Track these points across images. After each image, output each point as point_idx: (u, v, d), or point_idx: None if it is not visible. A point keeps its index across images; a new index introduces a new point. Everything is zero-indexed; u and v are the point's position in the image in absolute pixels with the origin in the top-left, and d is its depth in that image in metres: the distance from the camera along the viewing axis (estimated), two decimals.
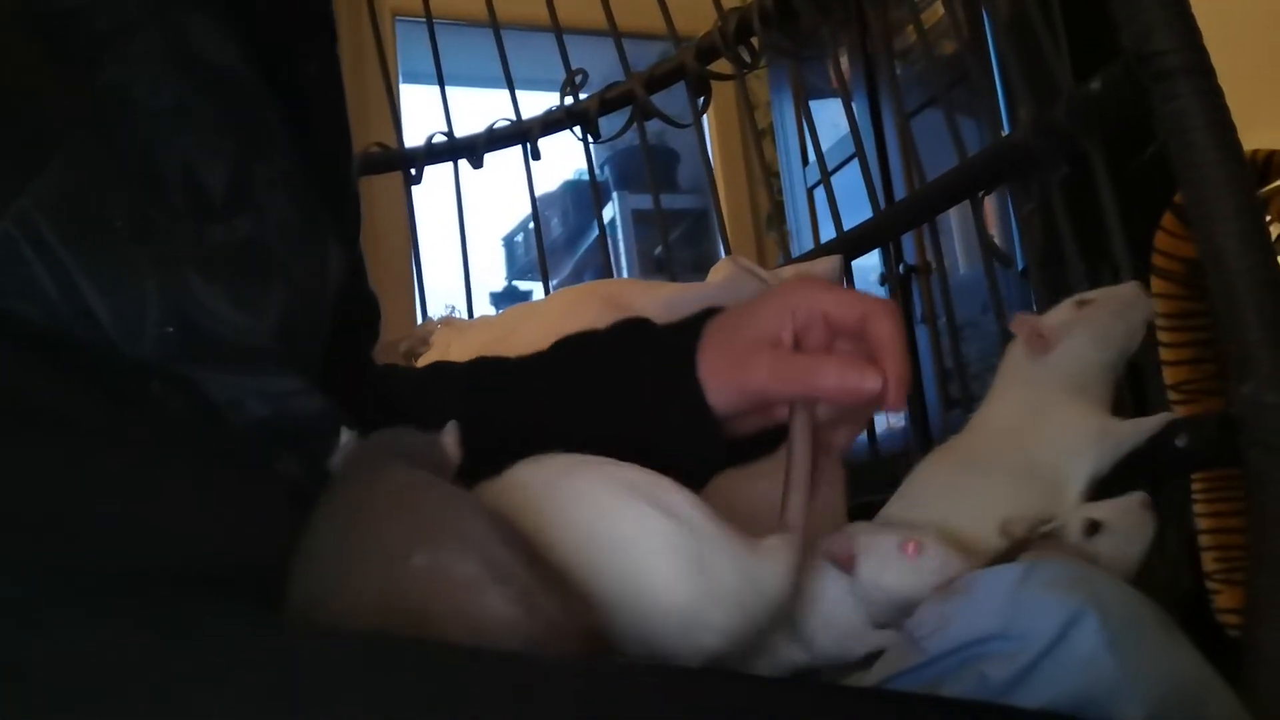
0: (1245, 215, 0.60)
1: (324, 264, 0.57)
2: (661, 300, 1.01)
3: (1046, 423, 0.61)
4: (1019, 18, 0.97)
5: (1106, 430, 0.61)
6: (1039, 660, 0.46)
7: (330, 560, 0.41)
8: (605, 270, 1.58)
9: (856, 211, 1.10)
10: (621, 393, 0.63)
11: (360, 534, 0.41)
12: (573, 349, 0.68)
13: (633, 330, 0.67)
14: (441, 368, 0.74)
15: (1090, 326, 0.62)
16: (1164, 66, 0.66)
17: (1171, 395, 1.48)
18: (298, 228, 0.55)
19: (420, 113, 1.49)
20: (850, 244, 1.03)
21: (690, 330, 0.62)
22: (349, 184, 0.64)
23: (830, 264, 0.99)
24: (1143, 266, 1.25)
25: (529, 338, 1.04)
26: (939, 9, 1.86)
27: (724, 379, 0.59)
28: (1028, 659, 0.47)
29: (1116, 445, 0.61)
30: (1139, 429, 0.61)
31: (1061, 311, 0.63)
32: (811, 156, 2.59)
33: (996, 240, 1.56)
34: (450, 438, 0.49)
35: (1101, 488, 0.61)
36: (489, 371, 0.70)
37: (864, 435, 1.23)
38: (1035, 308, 0.99)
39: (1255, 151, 1.53)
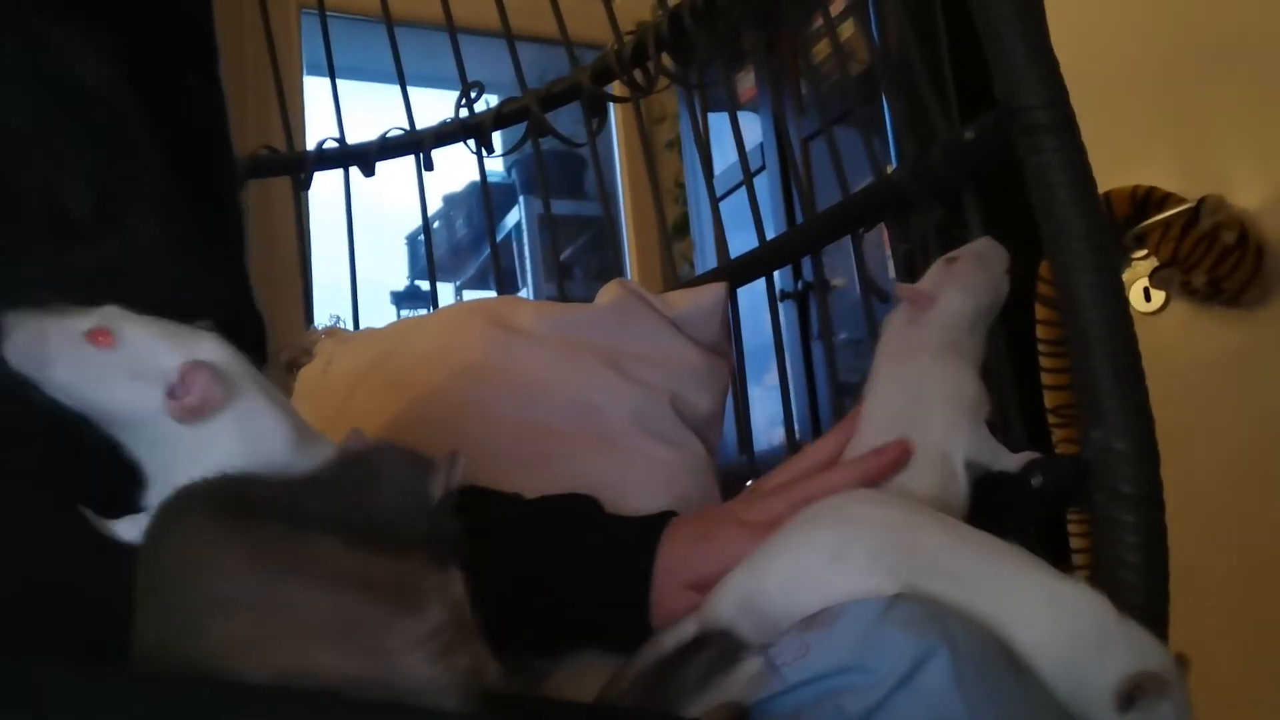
0: (1101, 270, 0.64)
1: (197, 286, 0.56)
2: (548, 321, 1.01)
3: (925, 402, 0.67)
4: (905, 58, 1.00)
5: (978, 407, 0.66)
6: (892, 694, 0.49)
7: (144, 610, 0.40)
8: (508, 275, 1.58)
9: (764, 222, 1.12)
10: (578, 594, 0.68)
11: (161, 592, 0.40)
12: (537, 523, 0.73)
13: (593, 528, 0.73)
14: None
15: (959, 279, 0.69)
16: (1031, 121, 0.69)
17: (1051, 419, 1.55)
18: (169, 250, 0.54)
19: (329, 105, 1.46)
20: (735, 271, 1.05)
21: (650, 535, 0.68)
22: (231, 204, 0.64)
23: (716, 292, 1.01)
24: (1023, 296, 1.30)
25: (412, 355, 1.04)
26: (844, 31, 1.91)
27: (661, 618, 0.65)
28: (882, 693, 0.49)
29: (989, 448, 0.66)
30: (1003, 455, 0.66)
31: (934, 271, 0.71)
32: (718, 169, 2.64)
33: (893, 270, 1.61)
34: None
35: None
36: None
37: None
38: None
39: (1136, 187, 1.62)
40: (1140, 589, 0.60)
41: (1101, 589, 0.60)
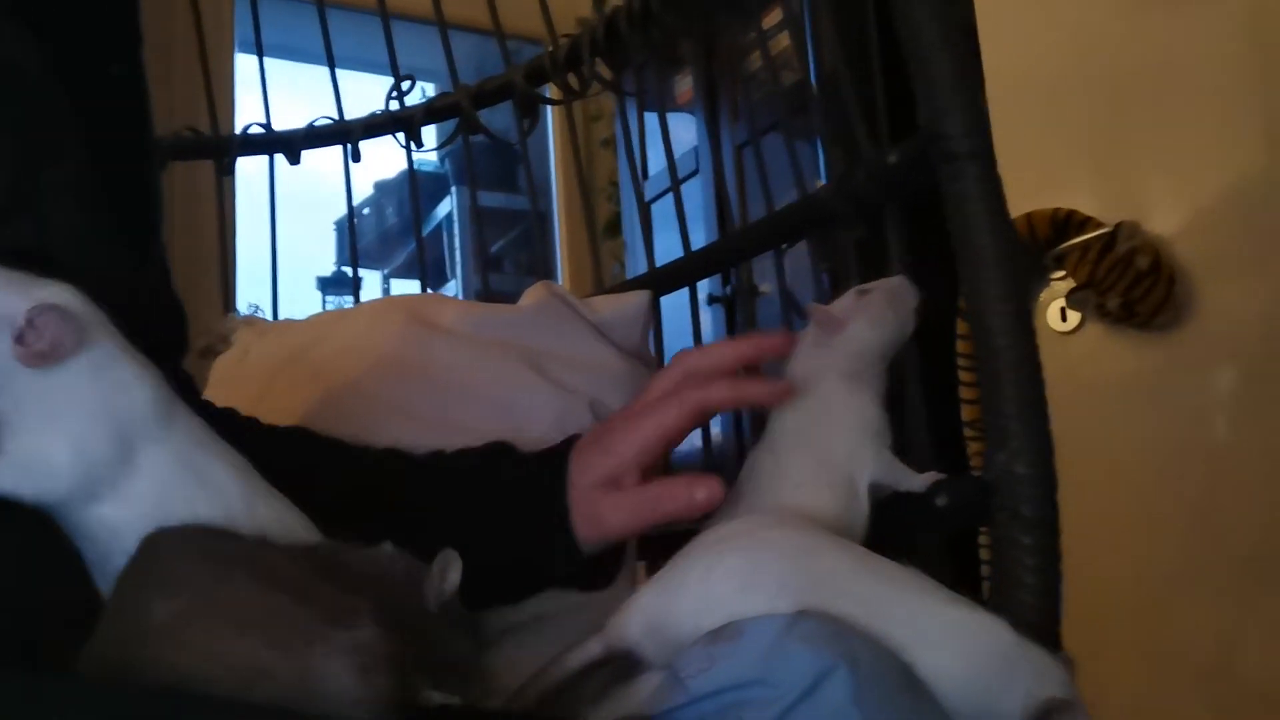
0: (1012, 299, 0.66)
1: (113, 271, 0.56)
2: (470, 320, 1.01)
3: (830, 424, 0.69)
4: (834, 77, 1.02)
5: (881, 433, 0.69)
6: (792, 708, 0.50)
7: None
8: (437, 266, 1.56)
9: (694, 225, 1.13)
10: (500, 523, 0.71)
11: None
12: (449, 471, 0.75)
13: (506, 460, 0.75)
14: (314, 440, 0.76)
15: (869, 311, 0.71)
16: (952, 149, 0.71)
17: (967, 431, 1.58)
18: (85, 234, 0.53)
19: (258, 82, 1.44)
20: (662, 279, 1.06)
21: (559, 469, 0.70)
22: (151, 189, 0.63)
23: (639, 299, 1.02)
24: (946, 310, 1.33)
25: (332, 349, 1.03)
26: (781, 41, 1.93)
27: (588, 529, 0.68)
28: (782, 706, 0.50)
29: (894, 470, 0.68)
30: (908, 476, 0.69)
31: (846, 299, 0.73)
32: (653, 170, 2.65)
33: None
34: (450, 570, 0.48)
35: (874, 540, 0.66)
36: (372, 460, 0.76)
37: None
38: None
39: (1057, 210, 1.66)
40: (1036, 609, 0.62)
41: (1000, 607, 0.62)
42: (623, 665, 0.61)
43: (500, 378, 0.98)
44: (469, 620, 0.50)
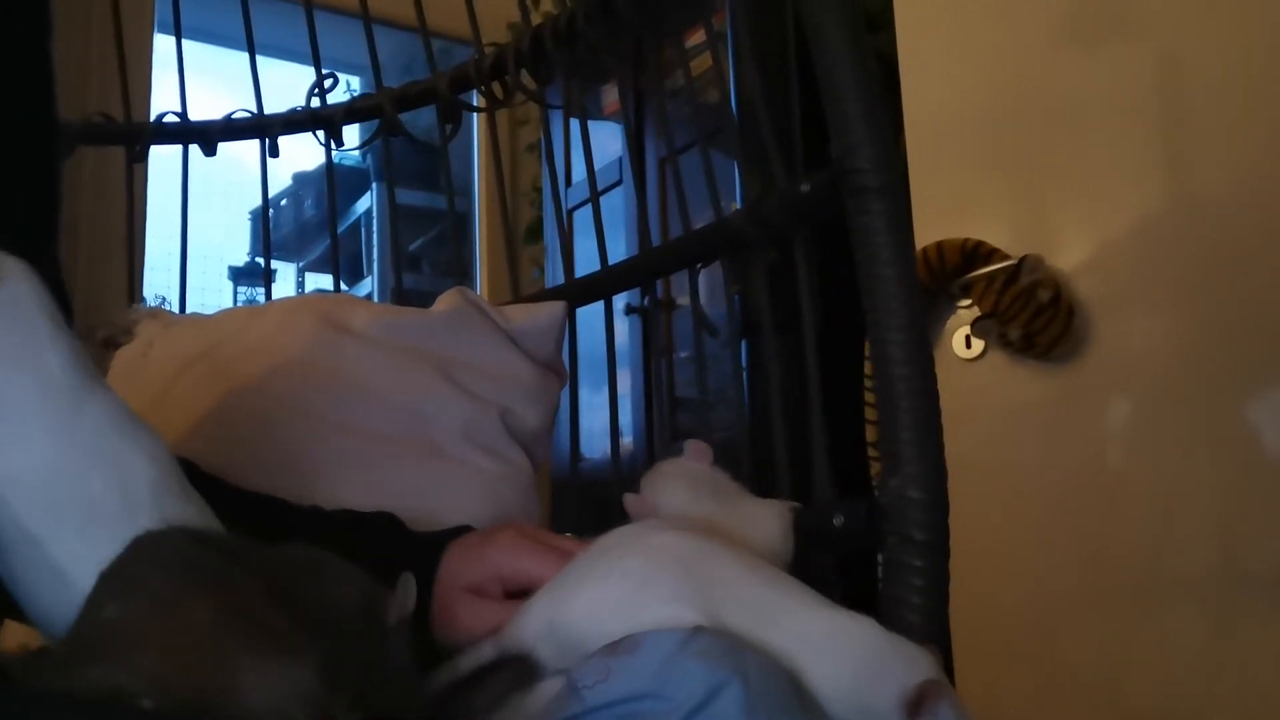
0: (911, 329, 0.68)
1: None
2: (381, 324, 1.01)
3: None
4: (751, 104, 1.04)
5: None
6: None
7: None
8: (355, 262, 1.54)
9: (616, 234, 1.14)
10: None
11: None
12: (343, 525, 0.76)
13: (385, 534, 0.77)
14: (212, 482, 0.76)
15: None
16: (860, 183, 0.73)
17: (871, 452, 1.62)
18: None
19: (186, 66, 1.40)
20: (578, 291, 1.07)
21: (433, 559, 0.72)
22: (47, 178, 0.62)
23: (553, 310, 1.03)
24: (855, 331, 1.36)
25: (240, 347, 1.02)
26: (706, 60, 1.95)
27: (441, 626, 0.69)
28: (676, 719, 0.51)
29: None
30: None
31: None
32: (577, 177, 2.66)
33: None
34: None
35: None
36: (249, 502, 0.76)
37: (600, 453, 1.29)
38: (742, 371, 1.07)
39: (966, 240, 1.70)
40: (922, 629, 0.64)
41: (888, 626, 0.64)
42: (517, 670, 0.62)
43: (409, 384, 0.98)
44: (413, 642, 0.51)
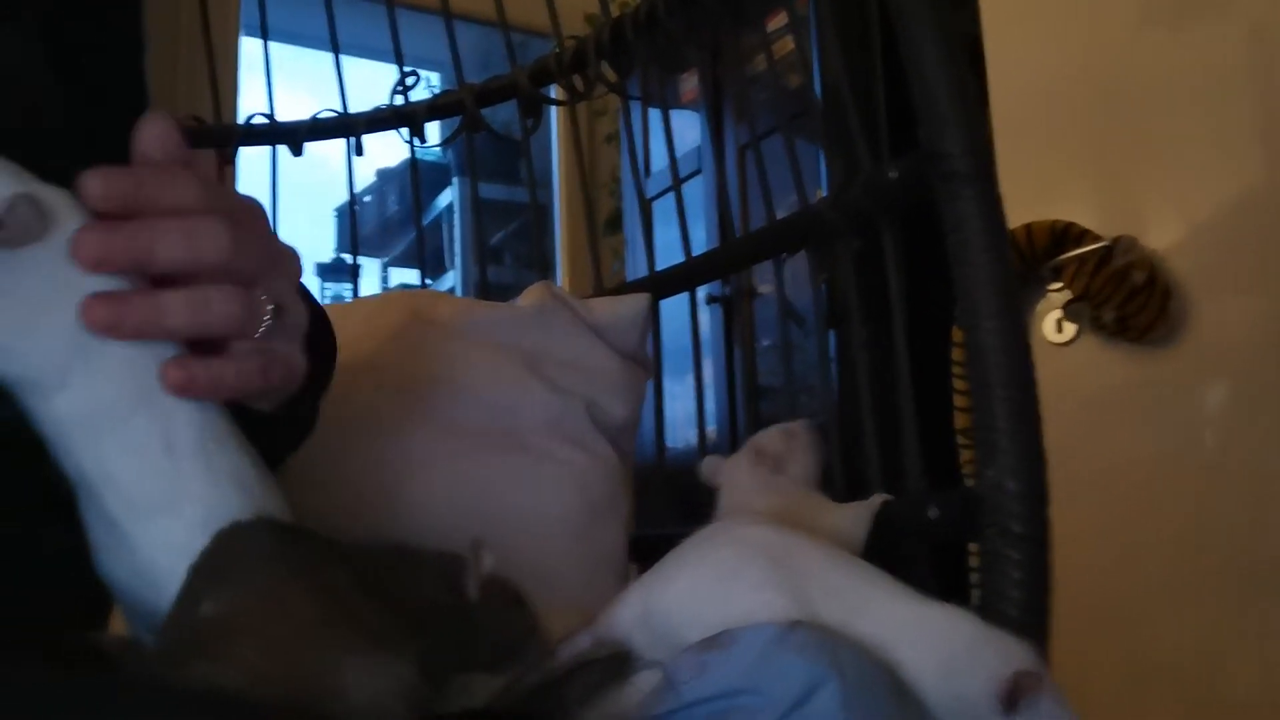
0: (1006, 316, 0.67)
1: None
2: (468, 319, 1.02)
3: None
4: (835, 88, 1.02)
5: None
6: (782, 718, 0.51)
7: None
8: (437, 257, 1.56)
9: (695, 222, 1.13)
10: None
11: None
12: None
13: None
14: None
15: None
16: (951, 169, 0.72)
17: (960, 440, 1.59)
18: None
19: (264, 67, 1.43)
20: (661, 283, 1.07)
21: None
22: None
23: (638, 302, 1.03)
24: (943, 318, 1.34)
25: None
26: (787, 44, 1.93)
27: None
28: (772, 716, 0.51)
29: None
30: None
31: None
32: (656, 167, 2.66)
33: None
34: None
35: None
36: None
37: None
38: (831, 359, 1.06)
39: (1055, 222, 1.67)
40: (1023, 625, 0.63)
41: (987, 621, 0.63)
42: (613, 661, 0.62)
43: (495, 378, 0.99)
44: (514, 594, 0.51)
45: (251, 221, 0.47)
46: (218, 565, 0.42)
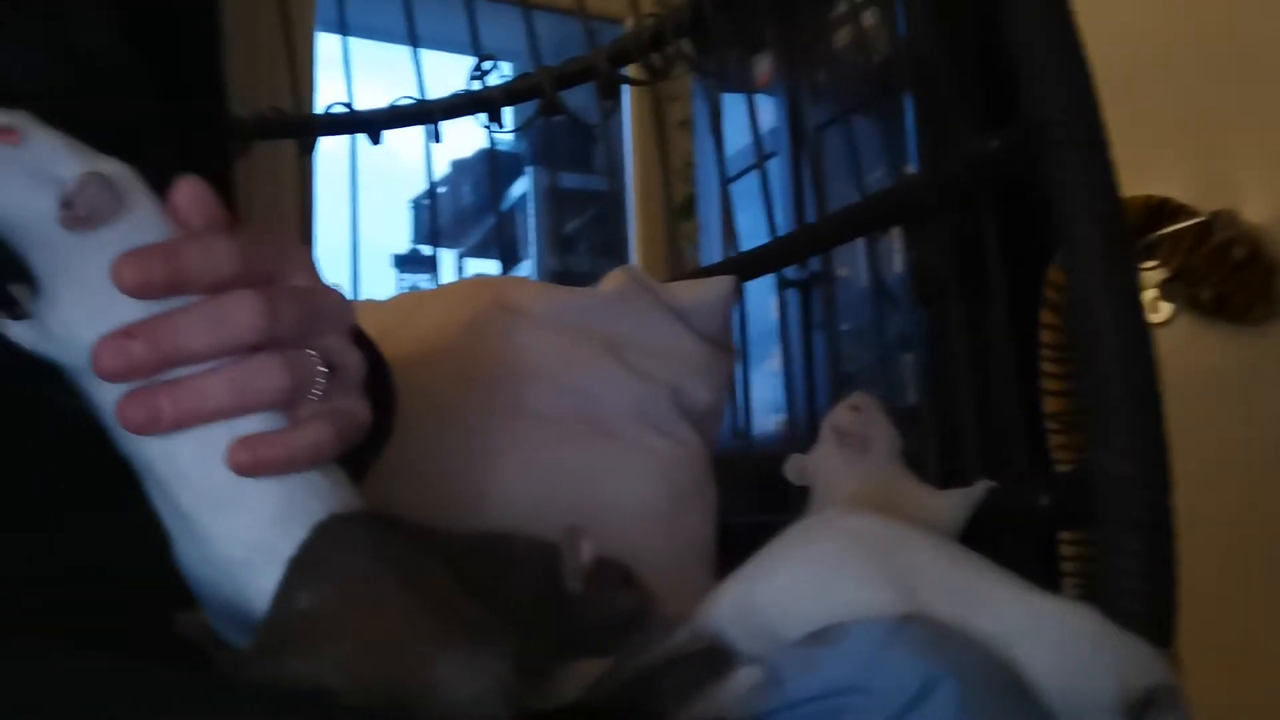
0: (1122, 293, 0.63)
1: None
2: (551, 306, 1.00)
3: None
4: (928, 60, 0.99)
5: None
6: (897, 718, 0.48)
7: None
8: (511, 246, 1.55)
9: (775, 204, 1.11)
10: None
11: None
12: None
13: None
14: None
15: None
16: (1056, 137, 0.68)
17: (1050, 425, 1.55)
18: None
19: (340, 61, 1.44)
20: (743, 266, 1.04)
21: None
22: (228, 197, 0.63)
23: (722, 285, 1.00)
24: (1029, 298, 1.30)
25: (414, 332, 1.03)
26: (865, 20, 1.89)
27: None
28: (886, 715, 0.48)
29: None
30: None
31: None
32: (730, 150, 2.62)
33: (901, 265, 1.60)
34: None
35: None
36: None
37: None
38: (923, 341, 1.03)
39: (1150, 197, 1.61)
40: (1144, 619, 0.59)
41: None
42: (710, 656, 0.60)
43: (579, 364, 0.97)
44: (622, 574, 0.49)
45: (292, 273, 0.46)
46: (315, 559, 0.41)
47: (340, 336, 0.47)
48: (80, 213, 0.40)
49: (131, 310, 0.41)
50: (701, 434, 0.98)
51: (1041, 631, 0.52)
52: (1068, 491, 0.66)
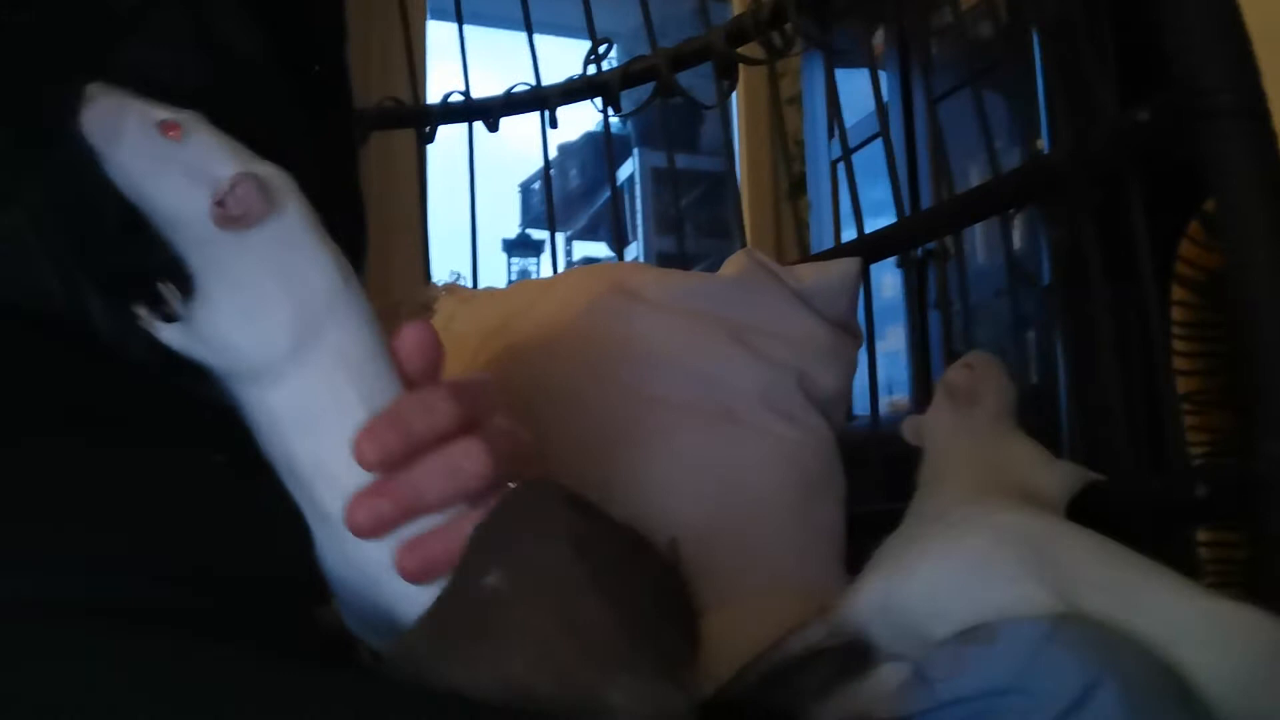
0: None
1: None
2: (672, 290, 0.99)
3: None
4: (1065, 25, 0.94)
5: None
6: None
7: None
8: (615, 229, 1.55)
9: (878, 184, 1.07)
10: None
11: None
12: None
13: None
14: None
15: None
16: (1213, 106, 0.64)
17: (1185, 405, 1.48)
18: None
19: (449, 51, 1.46)
20: (870, 247, 1.01)
21: None
22: (356, 188, 0.63)
23: (847, 267, 0.98)
24: (1163, 274, 1.24)
25: (533, 320, 1.02)
26: None
27: None
28: (1044, 719, 0.46)
29: None
30: None
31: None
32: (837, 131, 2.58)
33: (1020, 242, 1.55)
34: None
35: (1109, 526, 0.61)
36: None
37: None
38: (1056, 323, 0.98)
39: None
40: None
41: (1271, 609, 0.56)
42: (849, 654, 0.58)
43: (702, 349, 0.96)
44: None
45: (491, 412, 0.49)
46: (506, 534, 0.40)
47: (533, 469, 0.49)
48: (232, 212, 0.41)
49: (281, 312, 0.42)
50: (828, 420, 0.96)
51: (1207, 635, 0.50)
52: (1228, 484, 0.62)
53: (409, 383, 0.45)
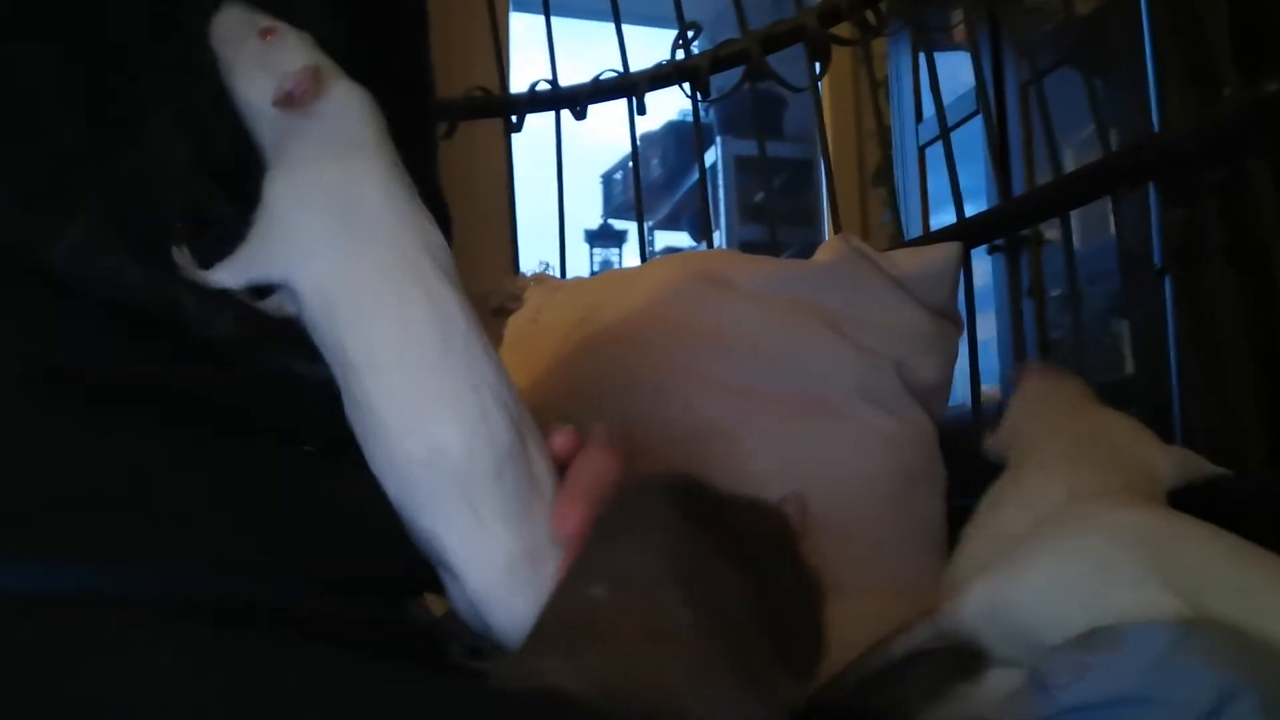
0: None
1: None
2: (764, 279, 0.96)
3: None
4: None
5: None
6: None
7: None
8: (703, 217, 1.53)
9: (968, 169, 1.04)
10: None
11: None
12: None
13: None
14: None
15: None
16: None
17: None
18: None
19: (529, 42, 1.46)
20: (970, 231, 0.97)
21: None
22: (436, 180, 0.63)
23: (947, 252, 0.94)
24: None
25: (622, 310, 1.01)
26: None
27: None
28: None
29: None
30: None
31: None
32: (928, 112, 2.52)
33: (1113, 228, 1.50)
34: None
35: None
36: None
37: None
38: (1169, 308, 0.94)
39: None
40: None
41: None
42: (957, 658, 0.56)
43: (796, 339, 0.93)
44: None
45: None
46: (615, 539, 0.39)
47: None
48: (284, 94, 0.44)
49: (328, 193, 0.44)
50: (929, 411, 0.93)
51: None
52: None
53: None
